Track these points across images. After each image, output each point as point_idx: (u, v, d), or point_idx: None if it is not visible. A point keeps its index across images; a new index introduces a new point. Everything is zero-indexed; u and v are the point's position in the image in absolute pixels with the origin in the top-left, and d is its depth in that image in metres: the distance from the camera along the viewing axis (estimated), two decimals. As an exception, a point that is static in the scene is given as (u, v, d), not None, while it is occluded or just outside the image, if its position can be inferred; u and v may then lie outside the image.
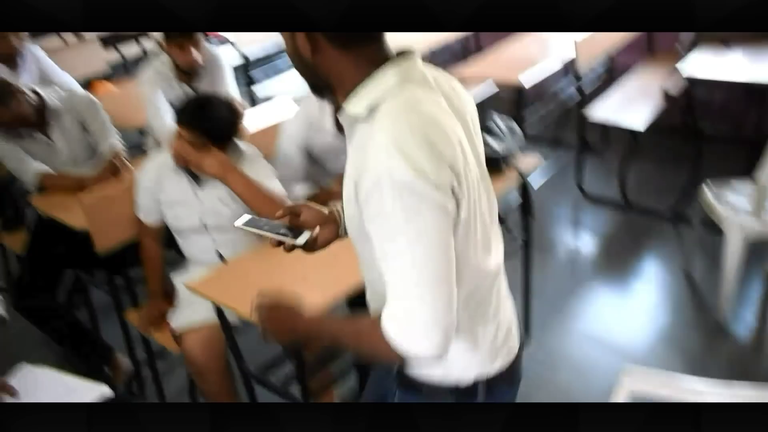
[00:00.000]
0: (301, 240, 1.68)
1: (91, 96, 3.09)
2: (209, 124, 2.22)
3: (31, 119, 2.88)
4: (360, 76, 1.20)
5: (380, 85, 1.18)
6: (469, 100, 1.37)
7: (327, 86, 1.27)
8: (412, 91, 1.18)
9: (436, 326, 1.15)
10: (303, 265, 2.02)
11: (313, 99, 2.47)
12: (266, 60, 5.04)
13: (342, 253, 1.64)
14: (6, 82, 2.86)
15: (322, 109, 2.51)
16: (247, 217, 1.89)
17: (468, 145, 1.25)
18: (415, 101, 1.17)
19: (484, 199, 1.32)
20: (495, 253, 1.41)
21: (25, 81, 3.28)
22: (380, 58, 1.21)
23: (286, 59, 5.03)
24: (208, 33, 3.93)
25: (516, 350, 1.50)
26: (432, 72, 1.30)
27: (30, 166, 2.88)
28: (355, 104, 1.21)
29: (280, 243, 1.62)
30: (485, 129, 2.57)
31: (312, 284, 2.02)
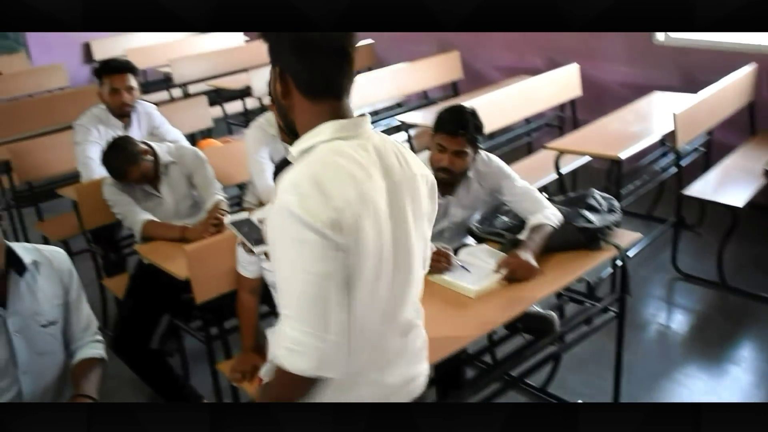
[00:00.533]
0: (258, 249, 1.78)
1: (198, 150, 3.17)
2: None
3: (151, 175, 2.99)
4: (312, 125, 1.33)
5: (317, 135, 1.32)
6: (416, 169, 1.46)
7: (293, 130, 1.39)
8: (338, 145, 1.31)
9: (310, 345, 1.25)
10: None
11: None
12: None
13: (435, 320, 1.74)
14: (134, 142, 2.96)
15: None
16: (242, 216, 1.95)
17: (386, 206, 1.35)
18: (334, 152, 1.30)
19: (390, 266, 1.37)
20: (393, 318, 1.45)
21: (135, 135, 3.38)
22: (336, 115, 1.33)
23: (390, 122, 4.91)
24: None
25: None
26: (379, 137, 1.41)
27: (138, 216, 2.96)
28: (294, 147, 1.35)
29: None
30: (585, 205, 2.56)
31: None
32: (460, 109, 2.45)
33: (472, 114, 2.43)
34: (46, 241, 3.59)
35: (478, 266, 2.30)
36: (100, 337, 1.95)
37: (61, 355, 1.83)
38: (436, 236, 2.47)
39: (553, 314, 2.54)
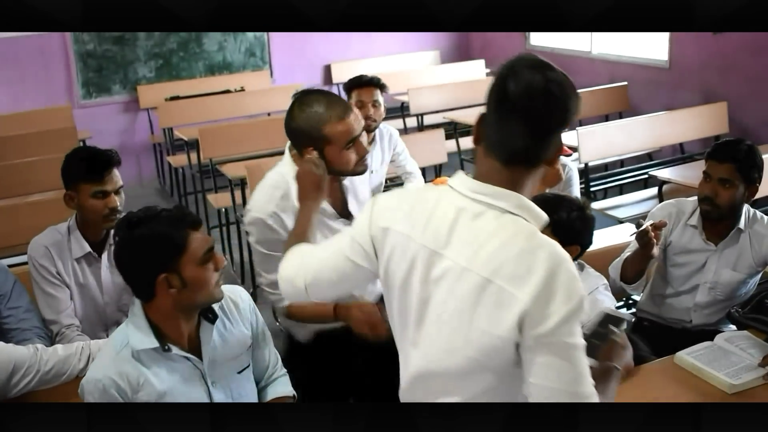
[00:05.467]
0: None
1: None
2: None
3: None
4: None
5: None
6: None
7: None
8: None
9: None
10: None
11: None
12: (607, 176, 4.63)
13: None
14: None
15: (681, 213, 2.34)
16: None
17: None
18: None
19: None
20: None
21: (377, 155, 3.37)
22: None
23: (626, 177, 4.54)
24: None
25: None
26: None
27: None
28: None
29: None
30: None
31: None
32: (736, 139, 2.29)
33: (750, 148, 2.22)
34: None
35: (737, 356, 1.96)
36: (284, 370, 1.88)
37: (255, 397, 1.78)
38: (689, 291, 2.29)
39: None
